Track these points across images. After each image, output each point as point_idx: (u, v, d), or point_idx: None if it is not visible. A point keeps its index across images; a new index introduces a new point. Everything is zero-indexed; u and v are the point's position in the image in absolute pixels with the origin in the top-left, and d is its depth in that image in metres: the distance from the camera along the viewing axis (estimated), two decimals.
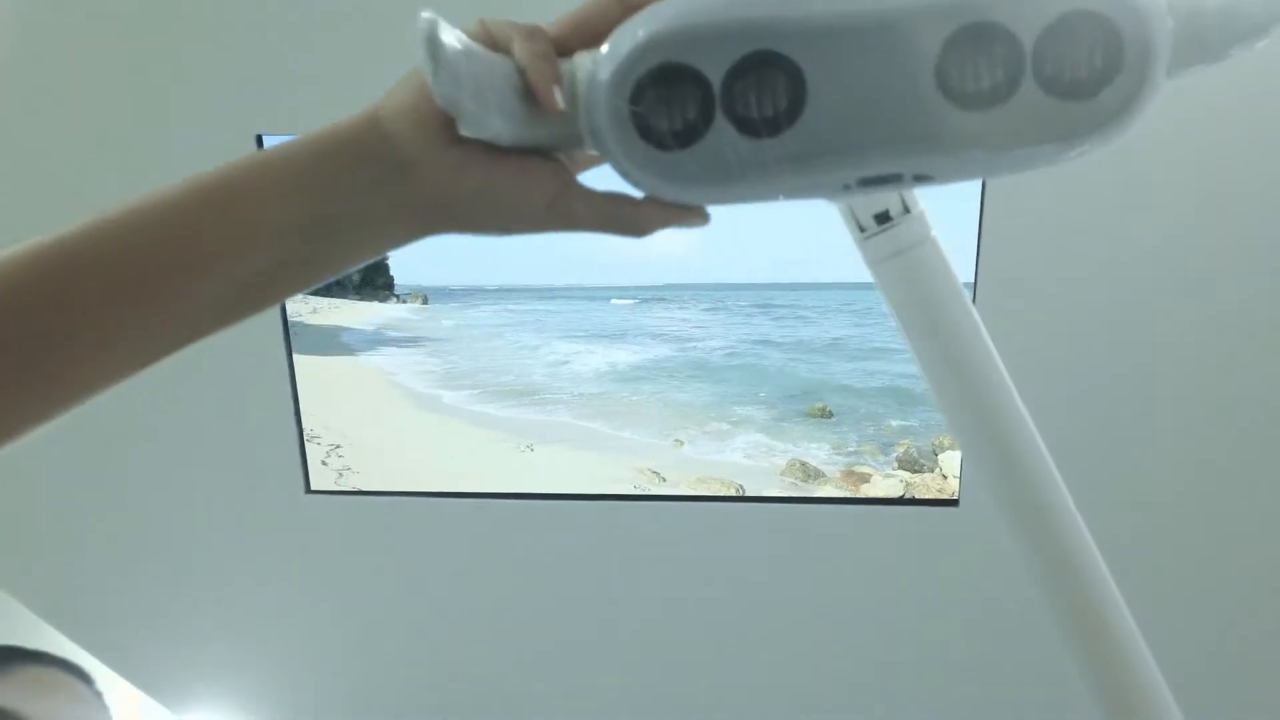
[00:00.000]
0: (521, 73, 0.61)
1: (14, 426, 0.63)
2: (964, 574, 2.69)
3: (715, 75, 0.62)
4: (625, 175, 0.65)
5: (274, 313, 2.43)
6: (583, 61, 0.64)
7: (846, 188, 0.67)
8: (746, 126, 0.63)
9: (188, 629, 2.80)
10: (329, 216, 0.62)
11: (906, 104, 0.63)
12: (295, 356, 2.51)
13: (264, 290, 0.64)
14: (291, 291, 0.65)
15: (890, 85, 0.63)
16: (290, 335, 2.52)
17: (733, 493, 2.56)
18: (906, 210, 0.98)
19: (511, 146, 0.63)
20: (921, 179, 0.67)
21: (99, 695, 0.98)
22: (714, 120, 0.63)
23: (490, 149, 0.62)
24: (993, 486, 1.11)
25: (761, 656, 2.90)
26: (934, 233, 0.99)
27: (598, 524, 2.66)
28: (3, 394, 0.60)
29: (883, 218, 0.98)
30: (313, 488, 2.61)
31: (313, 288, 0.66)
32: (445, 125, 0.61)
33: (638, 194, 0.66)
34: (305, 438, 2.58)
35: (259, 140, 2.25)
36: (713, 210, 0.68)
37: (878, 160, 0.65)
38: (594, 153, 0.65)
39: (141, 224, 0.61)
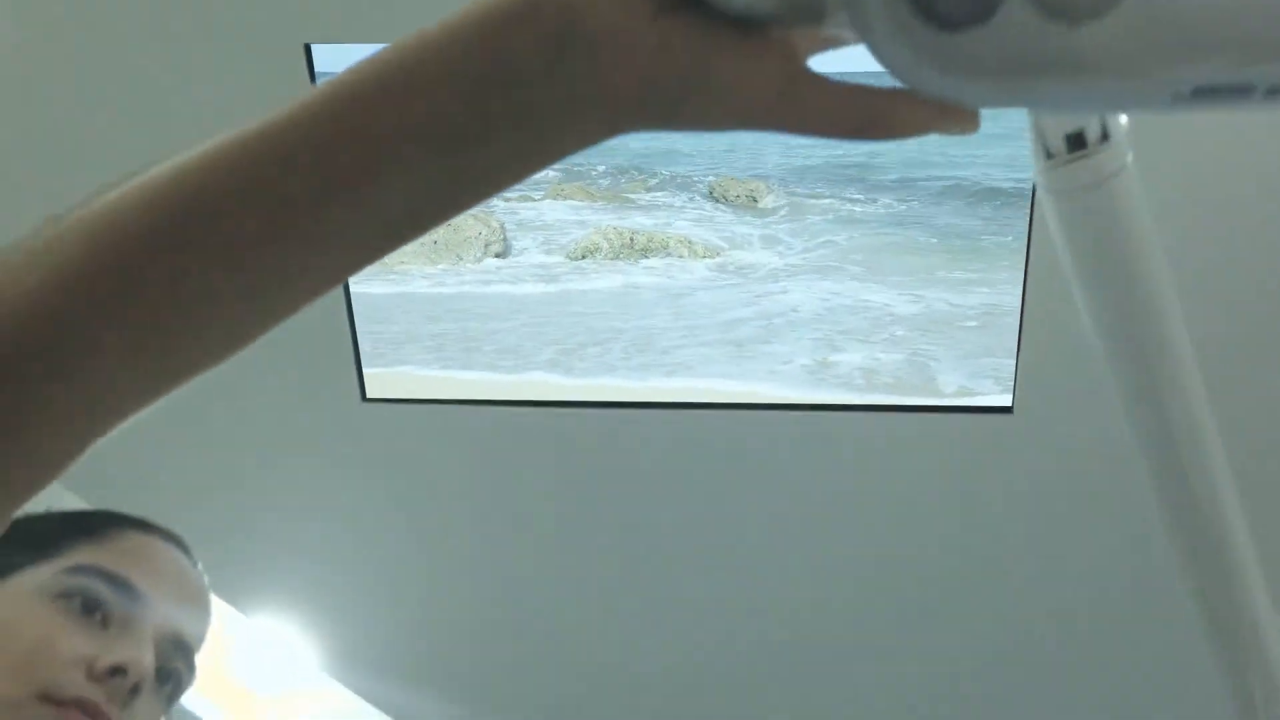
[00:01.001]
0: None
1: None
2: (1019, 486, 2.59)
3: None
4: (887, 60, 0.47)
5: None
6: None
7: (1176, 97, 0.49)
8: (1057, 3, 0.46)
9: (246, 536, 2.78)
10: (491, 114, 0.47)
11: None
12: None
13: (418, 212, 0.50)
14: (443, 216, 0.50)
15: None
16: None
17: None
18: (1105, 137, 0.82)
19: (738, 14, 0.47)
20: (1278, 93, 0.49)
21: (197, 564, 0.99)
22: None
23: (704, 20, 0.47)
24: (1164, 445, 0.99)
25: (801, 574, 2.83)
26: (1131, 158, 0.85)
27: (666, 434, 2.59)
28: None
29: (1076, 142, 0.83)
30: (369, 396, 2.55)
31: (473, 206, 0.51)
32: None
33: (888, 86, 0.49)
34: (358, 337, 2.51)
35: (307, 51, 2.11)
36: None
37: (1229, 61, 0.47)
38: (837, 31, 0.49)
39: (336, 108, 0.47)
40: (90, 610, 0.87)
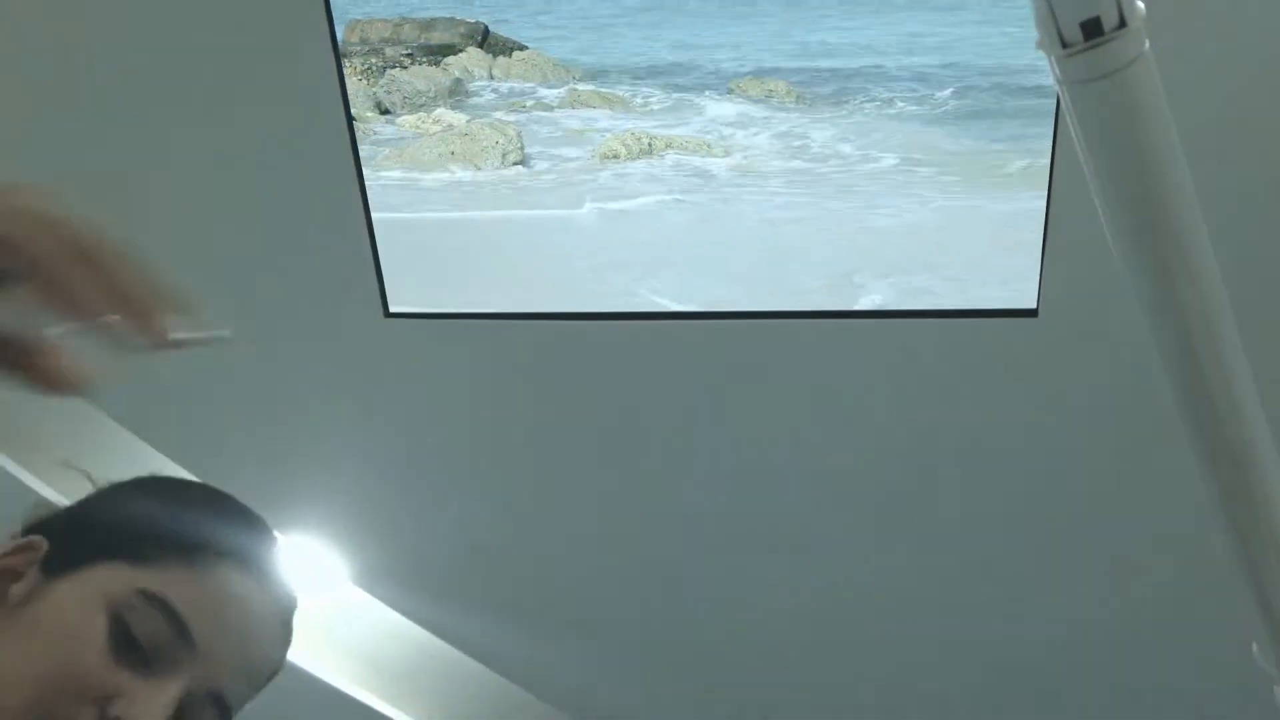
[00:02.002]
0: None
1: None
2: (1044, 391, 2.58)
3: None
4: None
5: (339, 126, 2.32)
6: None
7: None
8: None
9: (268, 456, 2.80)
10: None
11: None
12: None
13: None
14: None
15: None
16: (358, 149, 2.40)
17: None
18: (1122, 23, 0.80)
19: None
20: None
21: (285, 592, 0.95)
22: None
23: None
24: (1183, 345, 0.98)
25: (826, 484, 2.84)
26: (1148, 45, 0.82)
27: (694, 344, 2.58)
28: None
29: (1092, 29, 0.80)
30: (391, 310, 2.54)
31: None
32: None
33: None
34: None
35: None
36: None
37: None
38: None
39: None
40: (135, 647, 0.83)
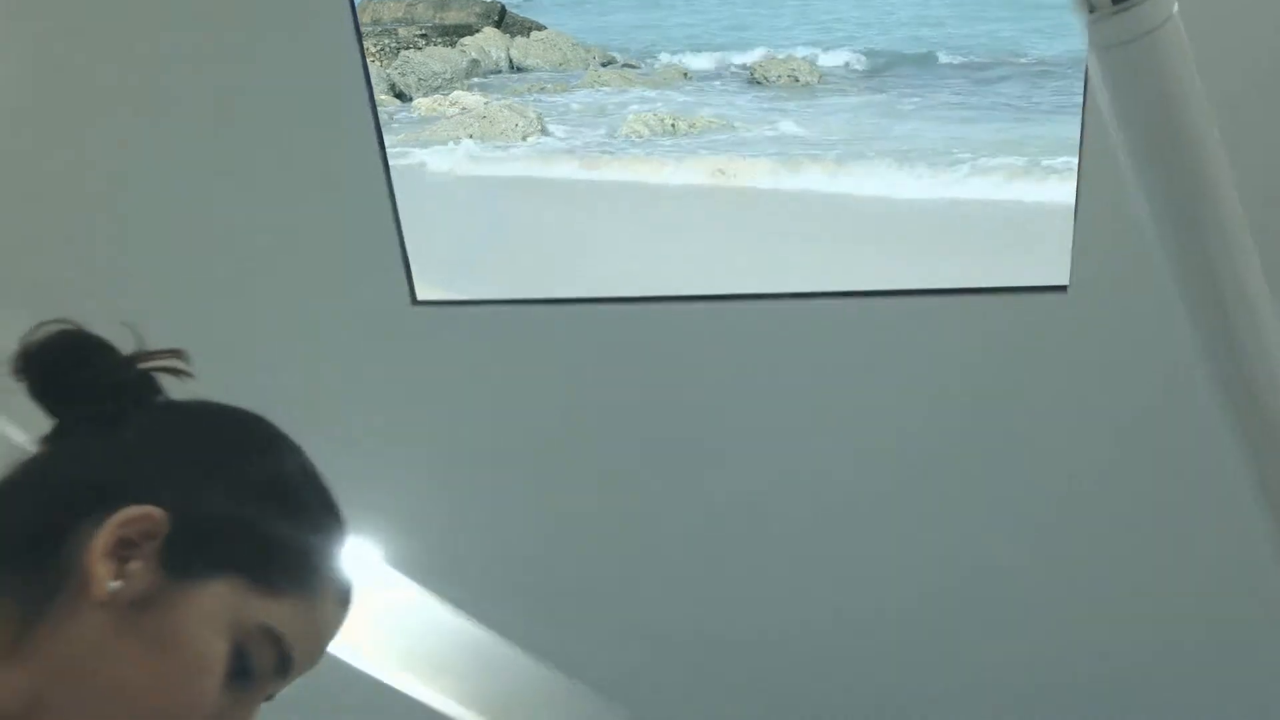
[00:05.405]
0: None
1: None
2: (1075, 367, 2.55)
3: None
4: None
5: (362, 106, 2.32)
6: None
7: None
8: None
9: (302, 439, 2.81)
10: None
11: None
12: None
13: None
14: None
15: None
16: (383, 133, 2.39)
17: None
18: None
19: None
20: None
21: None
22: None
23: None
24: (1219, 315, 0.96)
25: (858, 461, 2.82)
26: (1176, 8, 0.81)
27: (723, 326, 2.57)
28: None
29: None
30: (419, 298, 2.54)
31: None
32: None
33: None
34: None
35: None
36: None
37: None
38: None
39: None
40: (244, 679, 0.82)
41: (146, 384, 0.89)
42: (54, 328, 0.84)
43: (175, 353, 0.90)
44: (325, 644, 0.89)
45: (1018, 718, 3.35)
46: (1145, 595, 2.95)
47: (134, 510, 0.80)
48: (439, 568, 3.10)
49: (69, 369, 0.84)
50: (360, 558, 3.03)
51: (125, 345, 0.89)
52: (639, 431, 2.83)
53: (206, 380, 2.65)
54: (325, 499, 0.93)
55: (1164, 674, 3.13)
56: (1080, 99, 2.14)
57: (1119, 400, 2.58)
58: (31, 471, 0.85)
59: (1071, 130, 2.18)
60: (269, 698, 0.87)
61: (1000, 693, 3.29)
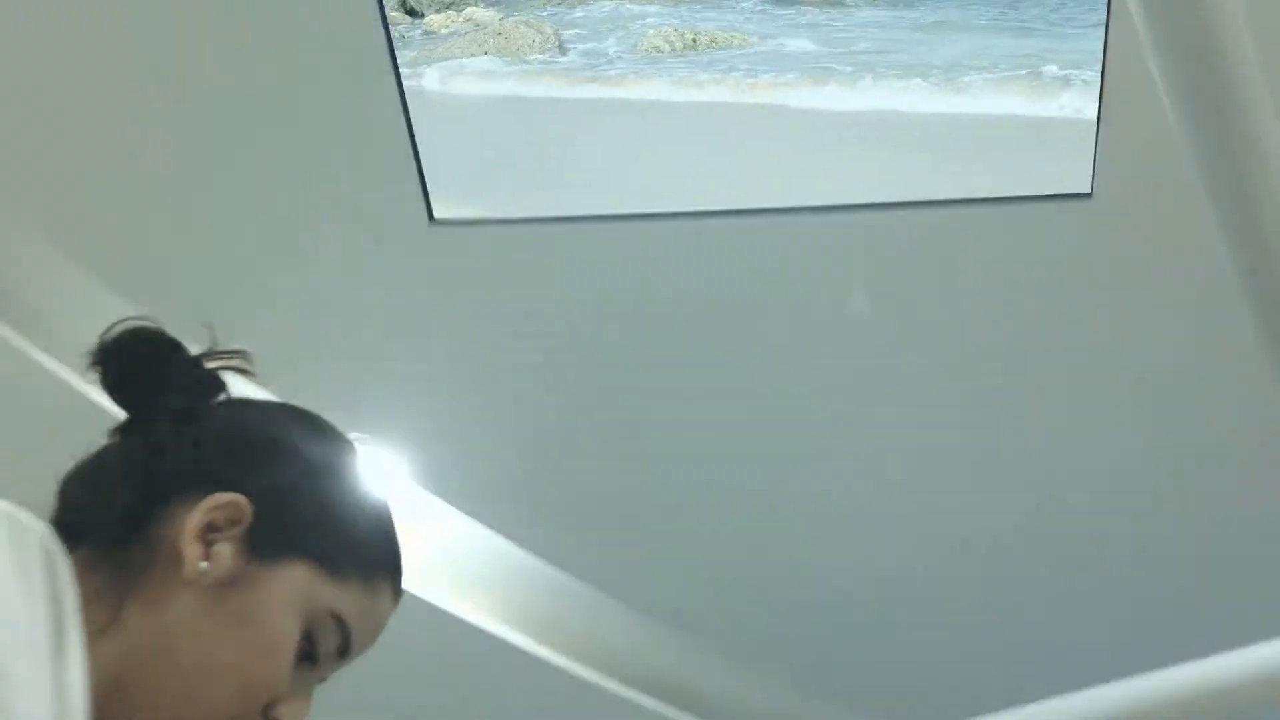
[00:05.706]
0: None
1: None
2: (1099, 274, 2.54)
3: None
4: None
5: (374, 25, 2.29)
6: None
7: None
8: None
9: (314, 369, 2.81)
10: None
11: None
12: None
13: None
14: None
15: None
16: (395, 51, 2.36)
17: None
18: None
19: None
20: None
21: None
22: None
23: None
24: (1252, 220, 0.95)
25: (884, 371, 2.84)
26: None
27: (746, 242, 2.56)
28: None
29: None
30: (436, 218, 2.52)
31: None
32: None
33: None
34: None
35: None
36: None
37: None
38: None
39: None
40: (309, 660, 0.87)
41: (215, 383, 0.93)
42: (130, 324, 0.88)
43: (241, 353, 0.95)
44: (378, 633, 0.93)
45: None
46: (1170, 503, 2.95)
47: (223, 496, 0.85)
48: (459, 482, 3.12)
49: (141, 366, 0.88)
50: (385, 473, 3.05)
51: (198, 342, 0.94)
52: (661, 345, 2.83)
53: (227, 304, 2.66)
54: (382, 497, 0.99)
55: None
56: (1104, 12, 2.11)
57: (1141, 303, 2.58)
58: (114, 458, 0.89)
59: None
60: (322, 680, 0.91)
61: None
